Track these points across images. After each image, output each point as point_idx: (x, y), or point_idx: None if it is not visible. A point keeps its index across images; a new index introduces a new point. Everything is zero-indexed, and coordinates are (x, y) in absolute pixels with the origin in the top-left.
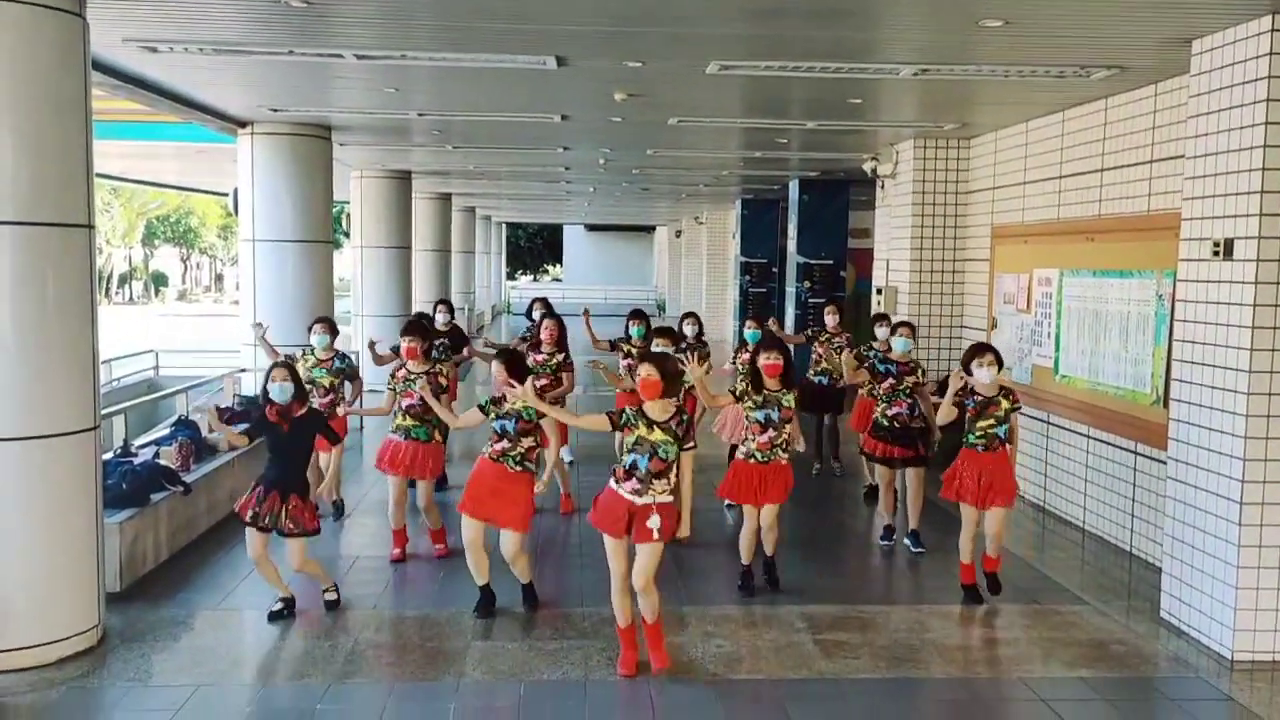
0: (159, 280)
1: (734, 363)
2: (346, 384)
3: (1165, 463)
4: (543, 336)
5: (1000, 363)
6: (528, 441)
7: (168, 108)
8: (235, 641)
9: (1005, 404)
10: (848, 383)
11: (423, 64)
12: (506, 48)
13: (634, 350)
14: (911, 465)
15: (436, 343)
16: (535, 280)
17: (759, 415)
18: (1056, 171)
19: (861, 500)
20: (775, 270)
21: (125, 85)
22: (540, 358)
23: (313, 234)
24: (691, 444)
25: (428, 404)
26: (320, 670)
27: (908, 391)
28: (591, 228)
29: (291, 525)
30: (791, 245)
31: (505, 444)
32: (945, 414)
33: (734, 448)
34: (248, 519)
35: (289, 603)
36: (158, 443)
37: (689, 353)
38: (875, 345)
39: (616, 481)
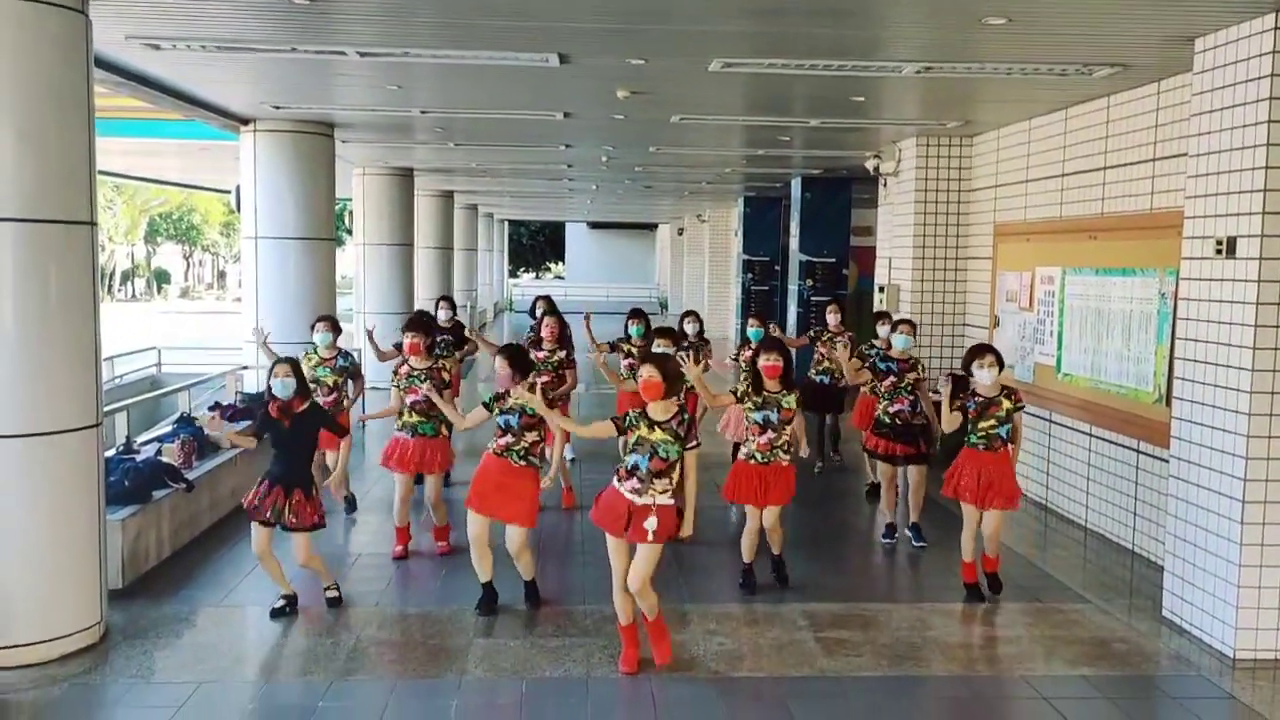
0: (161, 277)
1: (735, 359)
2: (350, 382)
3: (1167, 461)
4: (544, 334)
5: (1001, 363)
6: (531, 436)
7: (170, 105)
8: (237, 638)
9: (1007, 404)
10: (850, 383)
11: (425, 61)
12: (509, 45)
13: (634, 350)
14: (913, 463)
15: (439, 339)
16: (537, 278)
17: (758, 417)
18: (1059, 169)
19: (864, 498)
20: (777, 268)
21: (128, 82)
22: (542, 354)
23: (315, 231)
24: (695, 443)
25: (433, 399)
26: (322, 667)
27: (909, 388)
28: (594, 225)
29: (294, 519)
30: (794, 243)
31: (509, 439)
32: (950, 422)
33: (737, 446)
34: (250, 510)
35: (291, 600)
36: (160, 440)
37: (690, 351)
38: (876, 344)
39: (619, 480)
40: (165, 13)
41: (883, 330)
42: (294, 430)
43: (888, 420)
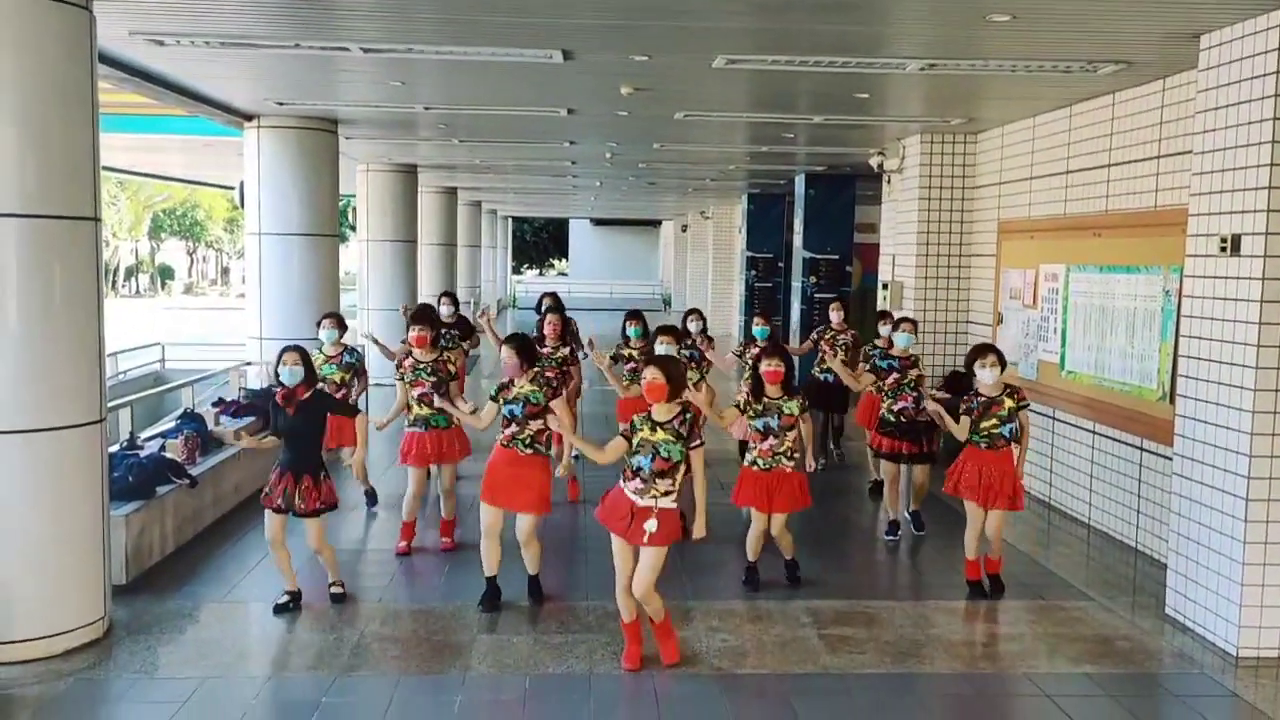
0: (165, 273)
1: (740, 354)
2: (355, 379)
3: (1171, 459)
4: (546, 331)
5: (1003, 363)
6: (536, 425)
7: (174, 101)
8: (241, 634)
9: (1009, 403)
10: (854, 390)
11: (429, 58)
12: (512, 41)
13: (634, 353)
14: (918, 462)
15: (444, 331)
16: (541, 274)
17: (759, 424)
18: (1063, 167)
19: (867, 495)
20: (781, 265)
21: (132, 78)
22: (545, 351)
23: (319, 227)
24: (698, 442)
25: (440, 389)
26: (326, 663)
27: (912, 385)
28: (597, 222)
29: (303, 505)
30: (797, 240)
31: (514, 428)
32: (962, 430)
33: (744, 444)
34: (263, 498)
35: (295, 596)
36: (164, 435)
37: (694, 350)
38: (878, 343)
39: (624, 480)
40: (169, 8)
41: (884, 329)
42: (299, 417)
43: (892, 419)
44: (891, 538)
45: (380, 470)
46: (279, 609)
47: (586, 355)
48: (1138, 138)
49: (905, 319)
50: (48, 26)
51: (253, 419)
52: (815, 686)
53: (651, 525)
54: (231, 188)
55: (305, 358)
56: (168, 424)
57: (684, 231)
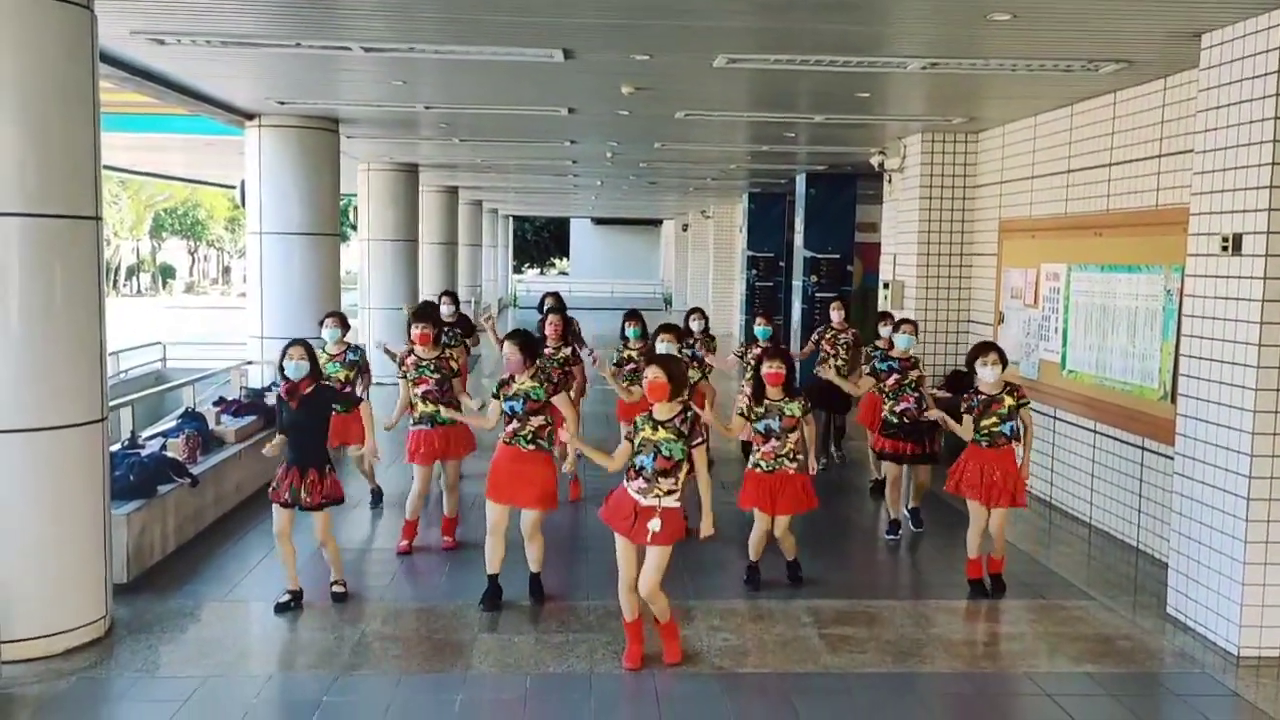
0: (166, 272)
1: (741, 355)
2: (359, 377)
3: (1172, 458)
4: (547, 332)
5: (1004, 361)
6: (537, 420)
7: (175, 100)
8: (242, 633)
9: (1009, 400)
10: (857, 394)
11: (430, 57)
12: (513, 40)
13: (633, 353)
14: (921, 462)
15: (446, 330)
16: (542, 274)
17: (760, 426)
18: (1064, 166)
19: (868, 495)
20: (782, 264)
21: (133, 77)
22: (547, 351)
23: (320, 227)
24: (700, 439)
25: (444, 386)
26: (327, 662)
27: (913, 385)
28: (598, 221)
29: (309, 499)
30: (798, 239)
31: (515, 425)
32: (967, 430)
33: (747, 443)
34: (270, 493)
35: (296, 595)
36: (165, 434)
37: (696, 349)
38: (878, 343)
39: (627, 480)
40: (170, 8)
41: (885, 330)
42: (302, 411)
43: (895, 420)
44: (892, 537)
45: (382, 468)
46: (280, 608)
47: (592, 353)
48: (1139, 137)
49: (906, 320)
50: (49, 26)
51: (253, 418)
52: (816, 686)
53: (655, 525)
54: (233, 187)
55: (311, 352)
56: (169, 423)
57: (685, 231)
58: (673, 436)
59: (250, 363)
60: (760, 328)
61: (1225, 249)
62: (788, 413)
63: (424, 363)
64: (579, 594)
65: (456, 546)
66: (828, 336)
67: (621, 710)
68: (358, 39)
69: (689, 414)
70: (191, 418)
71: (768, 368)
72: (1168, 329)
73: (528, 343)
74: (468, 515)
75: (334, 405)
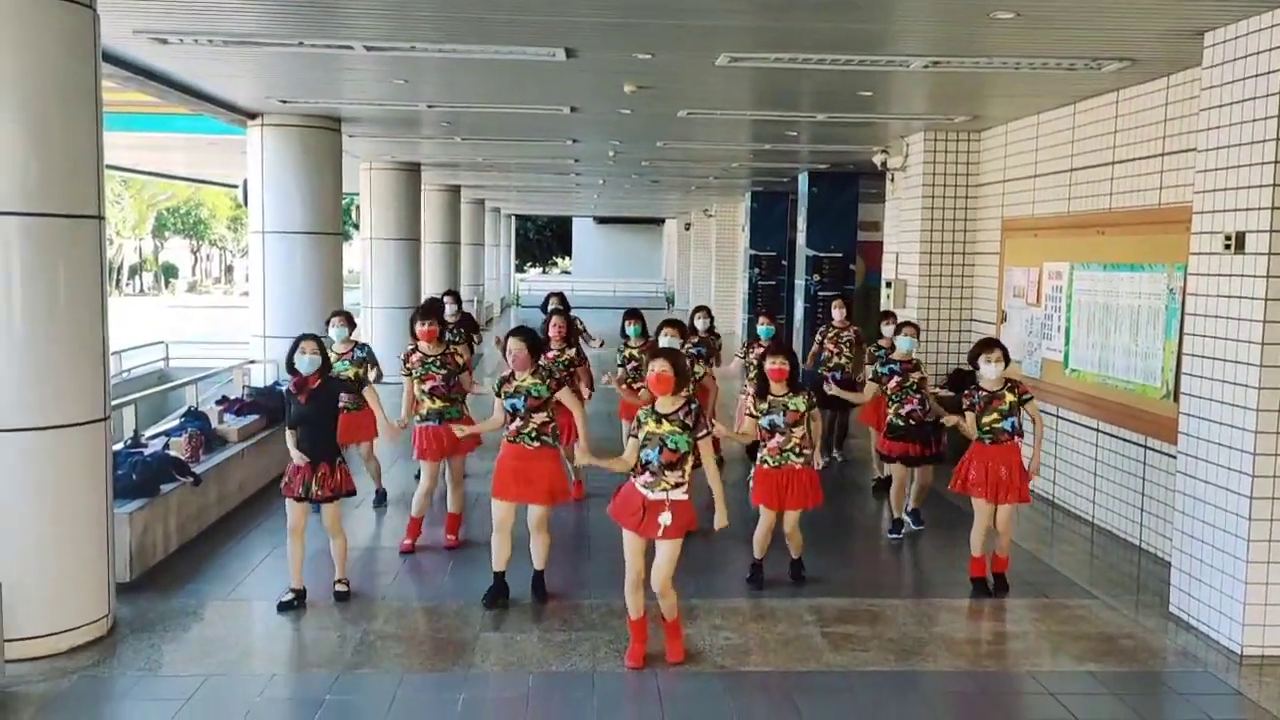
0: (169, 272)
1: (744, 355)
2: (369, 371)
3: (1175, 457)
4: (550, 333)
5: (1007, 358)
6: (540, 417)
7: (178, 99)
8: (245, 632)
9: (1010, 397)
10: (863, 402)
11: (432, 56)
12: (515, 39)
13: (634, 352)
14: (927, 462)
15: (450, 328)
16: (544, 273)
17: (765, 422)
18: (1067, 165)
19: (870, 494)
20: (784, 263)
21: (135, 77)
22: (551, 354)
23: (322, 226)
24: (704, 431)
25: (450, 382)
26: (330, 661)
27: (915, 387)
28: (601, 220)
29: (320, 492)
30: (801, 238)
31: (518, 422)
32: (971, 427)
33: (754, 443)
34: (283, 486)
35: (299, 594)
36: (168, 434)
37: (699, 347)
38: (881, 343)
39: (634, 476)
40: (172, 7)
41: (887, 330)
42: (312, 405)
43: (900, 422)
44: (895, 536)
45: (385, 466)
46: (283, 607)
47: (600, 344)
48: (1142, 135)
49: (908, 324)
50: (51, 25)
51: (256, 417)
52: (818, 684)
53: (666, 518)
54: (235, 186)
55: (322, 347)
56: (172, 422)
57: (687, 229)
58: (678, 429)
59: (253, 362)
60: (763, 327)
61: (1228, 247)
62: (791, 408)
63: (430, 359)
64: (582, 592)
65: (459, 545)
66: (830, 335)
67: (624, 709)
68: (360, 38)
69: (693, 406)
70: (194, 417)
71: (771, 363)
72: (1170, 328)
73: (534, 341)
74: (471, 514)
75: (342, 398)
